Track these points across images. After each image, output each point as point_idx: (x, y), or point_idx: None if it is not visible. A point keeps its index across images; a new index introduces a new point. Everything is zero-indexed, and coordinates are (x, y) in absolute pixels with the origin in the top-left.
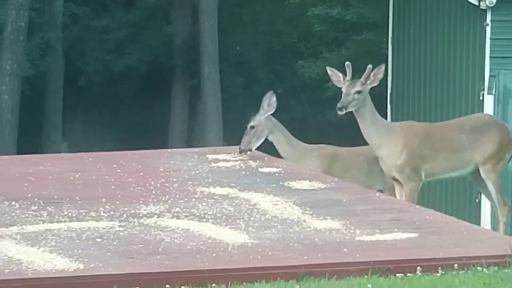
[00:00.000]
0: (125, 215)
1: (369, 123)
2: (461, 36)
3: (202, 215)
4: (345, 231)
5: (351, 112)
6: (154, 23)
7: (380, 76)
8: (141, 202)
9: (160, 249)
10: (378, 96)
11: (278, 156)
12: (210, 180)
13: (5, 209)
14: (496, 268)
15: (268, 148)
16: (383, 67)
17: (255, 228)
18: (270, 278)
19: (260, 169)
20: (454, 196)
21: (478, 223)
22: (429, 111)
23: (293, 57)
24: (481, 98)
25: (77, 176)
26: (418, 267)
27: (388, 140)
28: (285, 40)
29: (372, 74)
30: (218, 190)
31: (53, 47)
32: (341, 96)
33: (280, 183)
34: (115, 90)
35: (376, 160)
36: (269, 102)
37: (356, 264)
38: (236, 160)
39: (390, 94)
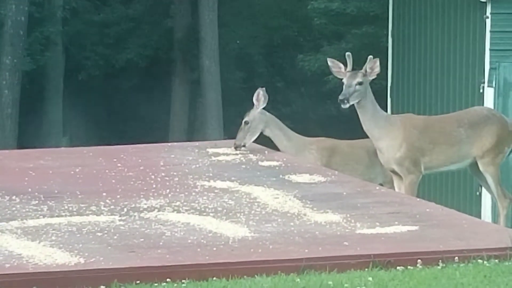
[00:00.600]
0: (125, 209)
1: (370, 115)
2: (461, 29)
3: (202, 209)
4: (346, 224)
5: (352, 105)
6: (154, 17)
7: (377, 69)
8: (141, 196)
9: (160, 243)
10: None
11: (278, 150)
12: (211, 174)
13: (6, 204)
14: (496, 260)
15: (269, 142)
16: (377, 61)
17: (256, 221)
18: (271, 271)
19: (260, 163)
20: (454, 189)
21: (479, 216)
22: (429, 104)
23: (293, 51)
24: (481, 91)
25: (77, 170)
26: (419, 260)
27: (387, 132)
28: (285, 34)
29: (368, 67)
30: (219, 184)
31: (53, 42)
32: (342, 88)
33: (281, 176)
34: (115, 84)
35: (376, 153)
36: (258, 97)
37: (356, 257)
38: (237, 154)
39: (390, 87)
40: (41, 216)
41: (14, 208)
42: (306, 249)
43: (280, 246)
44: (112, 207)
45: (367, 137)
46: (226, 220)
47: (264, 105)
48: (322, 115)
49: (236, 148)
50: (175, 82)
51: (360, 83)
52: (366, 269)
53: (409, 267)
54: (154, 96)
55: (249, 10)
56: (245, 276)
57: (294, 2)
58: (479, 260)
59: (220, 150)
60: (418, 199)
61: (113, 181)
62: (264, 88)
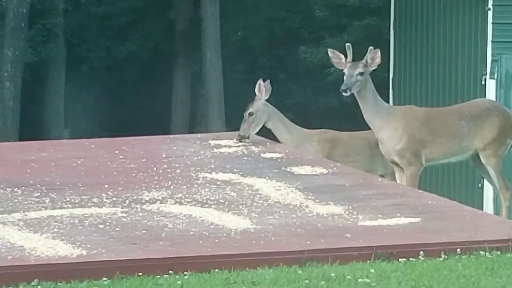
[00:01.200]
0: (127, 201)
1: (370, 106)
2: (463, 20)
3: (204, 201)
4: (348, 216)
5: (354, 96)
6: (155, 9)
7: (378, 60)
8: (143, 188)
9: (162, 235)
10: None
11: (279, 142)
12: (213, 166)
13: (8, 196)
14: (498, 252)
15: (270, 134)
16: (378, 51)
17: (258, 213)
18: (273, 263)
19: (262, 155)
20: (456, 181)
21: (481, 208)
22: (431, 96)
23: (295, 43)
24: (483, 82)
25: (79, 162)
26: (421, 252)
27: (388, 123)
28: (287, 26)
29: (369, 58)
30: (221, 176)
31: (55, 34)
32: (343, 79)
33: (283, 168)
34: (117, 76)
35: (377, 144)
36: (259, 88)
37: (358, 249)
38: (239, 146)
39: (392, 79)
40: (43, 208)
41: (16, 200)
42: (308, 241)
43: (282, 238)
44: (114, 199)
45: (368, 128)
46: (228, 212)
47: (267, 97)
48: (324, 107)
49: (240, 139)
50: (177, 74)
51: (361, 73)
52: (368, 261)
53: (411, 259)
54: (156, 88)
55: (251, 1)
56: (247, 268)
57: None
58: (481, 252)
59: (222, 142)
60: (420, 191)
61: (115, 173)
62: (268, 80)
